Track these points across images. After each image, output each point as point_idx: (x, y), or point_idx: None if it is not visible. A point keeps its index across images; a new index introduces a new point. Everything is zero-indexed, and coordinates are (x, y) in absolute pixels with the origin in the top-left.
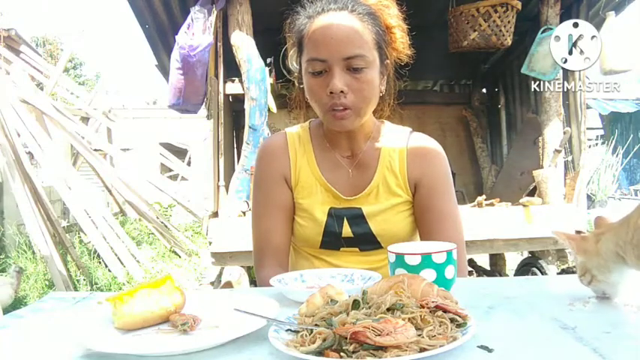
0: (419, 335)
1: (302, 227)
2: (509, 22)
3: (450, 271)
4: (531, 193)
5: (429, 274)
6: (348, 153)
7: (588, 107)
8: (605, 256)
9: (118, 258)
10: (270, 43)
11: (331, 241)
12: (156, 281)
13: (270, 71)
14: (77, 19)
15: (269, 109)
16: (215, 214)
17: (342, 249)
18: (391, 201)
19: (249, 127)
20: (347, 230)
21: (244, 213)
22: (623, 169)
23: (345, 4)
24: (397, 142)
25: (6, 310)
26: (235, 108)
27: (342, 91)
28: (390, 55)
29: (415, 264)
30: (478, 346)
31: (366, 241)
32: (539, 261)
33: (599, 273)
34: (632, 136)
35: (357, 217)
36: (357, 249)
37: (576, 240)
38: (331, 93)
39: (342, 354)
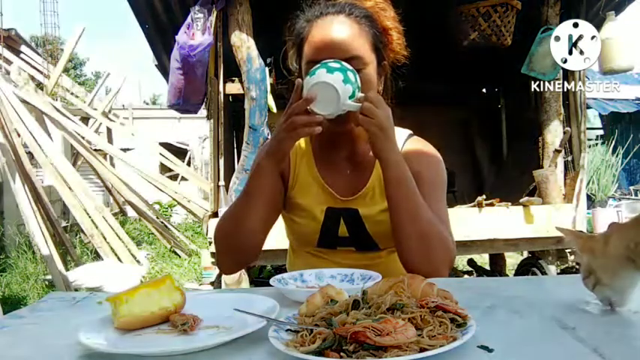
0: (419, 335)
1: (299, 225)
2: (509, 22)
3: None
4: (531, 193)
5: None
6: (347, 154)
7: (588, 107)
8: (613, 258)
9: (118, 258)
10: (270, 43)
11: (328, 239)
12: (156, 281)
13: (270, 71)
14: (77, 19)
15: (269, 109)
16: (215, 214)
17: (338, 248)
18: (387, 203)
19: (249, 127)
20: (343, 230)
21: None
22: (623, 169)
23: (342, 8)
24: None
25: (6, 310)
26: (235, 108)
27: None
28: (388, 56)
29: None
30: (478, 346)
31: (362, 242)
32: (539, 261)
33: (605, 276)
34: (632, 136)
35: (353, 218)
36: (352, 248)
37: (583, 238)
38: None
39: (342, 354)
